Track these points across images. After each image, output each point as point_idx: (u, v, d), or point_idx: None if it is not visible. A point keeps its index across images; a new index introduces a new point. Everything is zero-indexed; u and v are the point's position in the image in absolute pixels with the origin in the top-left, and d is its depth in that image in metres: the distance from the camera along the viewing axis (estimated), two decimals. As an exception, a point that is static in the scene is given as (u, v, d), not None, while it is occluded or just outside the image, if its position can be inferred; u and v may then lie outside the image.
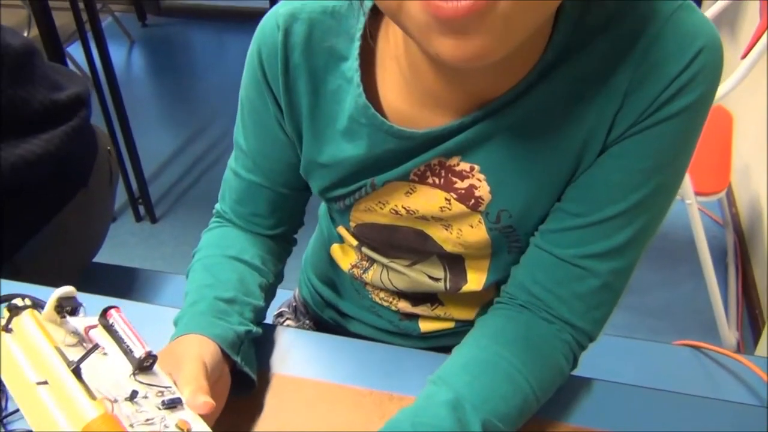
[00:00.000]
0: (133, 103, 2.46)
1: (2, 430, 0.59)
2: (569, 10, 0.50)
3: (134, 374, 0.49)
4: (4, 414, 0.60)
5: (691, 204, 1.41)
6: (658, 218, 0.55)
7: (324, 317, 0.84)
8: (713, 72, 0.49)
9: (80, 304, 0.51)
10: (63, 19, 1.89)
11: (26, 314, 0.49)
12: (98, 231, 1.21)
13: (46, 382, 0.45)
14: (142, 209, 2.18)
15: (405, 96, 0.55)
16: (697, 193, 1.42)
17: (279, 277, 0.70)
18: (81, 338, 0.50)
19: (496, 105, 0.52)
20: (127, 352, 0.49)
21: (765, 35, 1.32)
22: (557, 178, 0.55)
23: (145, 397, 0.48)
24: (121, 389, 0.47)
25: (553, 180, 0.55)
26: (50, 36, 1.75)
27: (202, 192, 2.30)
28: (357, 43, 0.54)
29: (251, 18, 3.41)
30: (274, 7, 0.58)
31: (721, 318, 1.57)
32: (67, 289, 0.50)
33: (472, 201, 0.57)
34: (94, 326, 0.51)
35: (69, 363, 0.45)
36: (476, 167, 0.55)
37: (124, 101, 1.98)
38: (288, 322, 0.89)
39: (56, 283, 0.70)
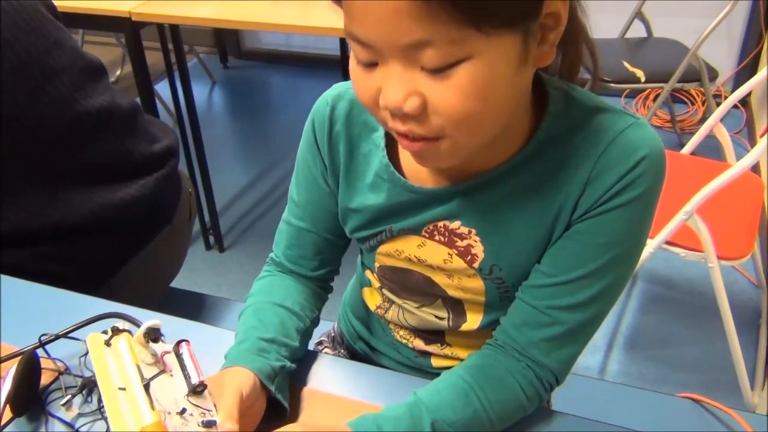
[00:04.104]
0: (211, 139, 2.68)
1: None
2: (553, 113, 0.66)
3: (188, 395, 0.65)
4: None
5: (713, 267, 1.50)
6: (614, 285, 0.68)
7: (356, 348, 0.99)
8: (653, 175, 0.63)
9: (162, 335, 0.68)
10: (153, 59, 2.06)
11: (122, 336, 0.67)
12: (177, 261, 1.38)
13: (124, 389, 0.62)
14: (212, 239, 2.37)
15: None
16: (721, 257, 1.51)
17: (315, 322, 0.84)
18: (157, 359, 0.66)
19: (486, 179, 0.67)
20: (187, 377, 0.65)
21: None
22: (536, 243, 0.69)
23: (191, 414, 0.63)
24: (176, 405, 0.63)
25: (533, 245, 0.69)
26: (142, 74, 1.93)
27: (267, 226, 2.48)
28: None
29: (323, 63, 3.67)
30: (329, 89, 0.76)
31: (743, 377, 1.63)
32: (155, 322, 0.67)
33: (469, 257, 0.72)
34: (168, 352, 0.68)
35: (143, 379, 0.63)
36: (473, 231, 0.71)
37: (202, 137, 2.17)
38: (326, 350, 1.04)
39: (142, 304, 0.89)
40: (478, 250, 0.72)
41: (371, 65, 0.57)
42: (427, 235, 0.74)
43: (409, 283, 0.80)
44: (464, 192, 0.69)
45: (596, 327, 0.71)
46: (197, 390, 0.65)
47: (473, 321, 0.80)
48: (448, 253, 0.73)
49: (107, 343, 0.67)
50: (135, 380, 0.62)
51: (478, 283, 0.75)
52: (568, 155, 0.65)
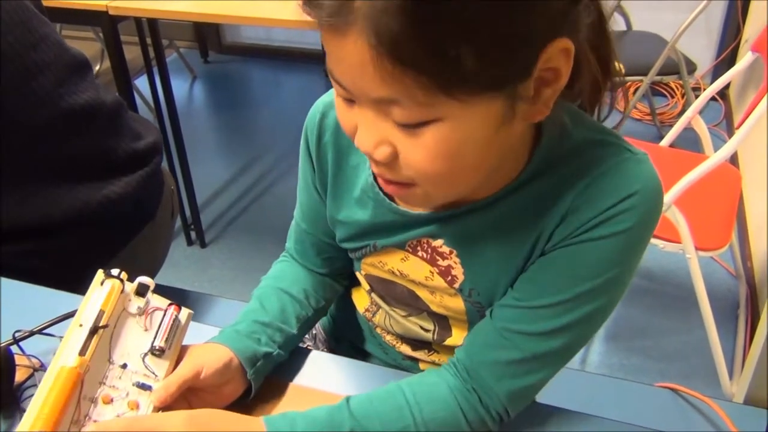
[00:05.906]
0: (192, 134, 2.65)
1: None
2: (544, 148, 0.62)
3: (144, 354, 0.66)
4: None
5: (691, 258, 1.51)
6: (583, 323, 0.63)
7: (339, 349, 0.97)
8: (642, 213, 0.59)
9: (148, 289, 0.70)
10: (132, 54, 2.05)
11: (111, 281, 0.67)
12: (160, 257, 1.37)
13: (81, 326, 0.64)
14: (193, 234, 2.34)
15: None
16: (699, 248, 1.52)
17: (320, 312, 0.83)
18: (142, 311, 0.68)
19: (471, 207, 0.65)
20: (154, 337, 0.67)
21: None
22: (513, 269, 0.67)
23: (134, 372, 0.65)
24: (125, 358, 0.65)
25: (509, 274, 0.67)
26: (120, 69, 1.91)
27: (249, 221, 2.45)
28: None
29: (304, 57, 3.64)
30: (323, 95, 0.74)
31: (721, 367, 1.65)
32: (147, 279, 0.69)
33: (449, 278, 0.71)
34: (160, 309, 0.70)
35: (96, 325, 0.64)
36: (454, 251, 0.69)
37: (183, 132, 2.14)
38: (308, 347, 1.02)
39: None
40: (458, 272, 0.71)
41: (350, 101, 0.56)
42: (410, 250, 0.73)
43: (394, 294, 0.80)
44: (448, 218, 0.68)
45: (557, 363, 0.66)
46: (154, 352, 0.67)
47: (458, 337, 0.79)
48: (430, 271, 0.73)
49: (102, 284, 0.68)
50: (89, 322, 0.64)
51: (459, 303, 0.74)
52: (552, 187, 0.62)
